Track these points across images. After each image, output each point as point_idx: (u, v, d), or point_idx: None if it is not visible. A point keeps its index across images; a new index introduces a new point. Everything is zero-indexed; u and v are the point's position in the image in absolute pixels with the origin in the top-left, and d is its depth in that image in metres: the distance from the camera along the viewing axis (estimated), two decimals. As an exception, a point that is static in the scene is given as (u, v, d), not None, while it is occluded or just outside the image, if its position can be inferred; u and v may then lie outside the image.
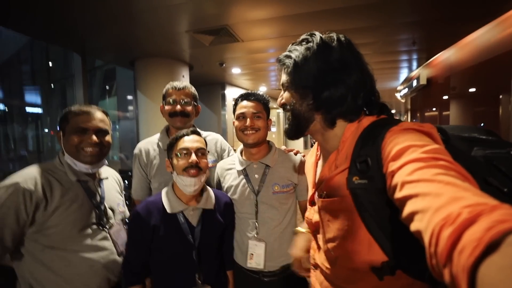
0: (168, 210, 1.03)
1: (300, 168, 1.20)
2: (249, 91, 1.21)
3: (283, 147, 1.30)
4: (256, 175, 1.18)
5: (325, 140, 0.73)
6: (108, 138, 1.10)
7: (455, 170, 0.41)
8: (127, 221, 1.18)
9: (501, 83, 3.39)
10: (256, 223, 1.14)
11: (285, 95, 0.74)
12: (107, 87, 11.05)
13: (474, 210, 0.31)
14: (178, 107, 1.37)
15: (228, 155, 1.49)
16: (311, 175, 0.81)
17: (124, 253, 1.09)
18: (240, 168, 1.20)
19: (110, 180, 1.21)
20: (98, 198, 1.08)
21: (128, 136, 8.57)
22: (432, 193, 0.38)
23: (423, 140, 0.50)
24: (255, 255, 1.11)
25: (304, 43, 0.70)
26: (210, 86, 7.28)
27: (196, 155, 1.04)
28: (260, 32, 3.76)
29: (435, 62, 5.57)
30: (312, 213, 0.77)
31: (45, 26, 3.42)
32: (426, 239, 0.35)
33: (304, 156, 1.27)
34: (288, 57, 0.71)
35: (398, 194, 0.45)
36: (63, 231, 0.95)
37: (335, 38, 0.68)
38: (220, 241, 1.15)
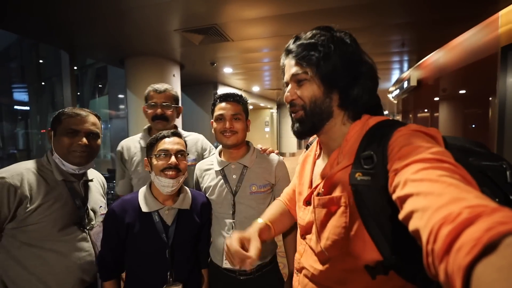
0: (143, 209, 1.05)
1: (277, 168, 1.21)
2: (228, 92, 1.21)
3: (259, 146, 1.30)
4: (234, 176, 1.18)
5: (331, 139, 0.72)
6: (98, 141, 1.11)
7: (459, 174, 0.42)
8: None
9: (489, 85, 3.44)
10: (233, 223, 1.14)
11: (303, 91, 0.68)
12: (99, 85, 10.91)
13: (475, 211, 0.31)
14: (159, 110, 1.41)
15: (209, 154, 1.50)
16: (308, 175, 0.79)
17: None
18: (218, 168, 1.19)
19: (95, 182, 1.22)
20: (81, 199, 1.08)
21: (119, 135, 8.49)
22: (435, 192, 0.38)
23: (429, 142, 0.51)
24: None
25: (319, 36, 0.67)
26: (202, 85, 7.26)
27: (176, 157, 1.05)
28: (251, 31, 3.74)
29: (425, 64, 5.63)
30: (306, 214, 0.75)
31: (33, 24, 3.35)
32: (424, 237, 0.35)
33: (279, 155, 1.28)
34: (311, 47, 0.66)
35: (400, 192, 0.45)
36: (43, 229, 0.95)
37: (347, 32, 0.68)
38: (196, 240, 1.16)
